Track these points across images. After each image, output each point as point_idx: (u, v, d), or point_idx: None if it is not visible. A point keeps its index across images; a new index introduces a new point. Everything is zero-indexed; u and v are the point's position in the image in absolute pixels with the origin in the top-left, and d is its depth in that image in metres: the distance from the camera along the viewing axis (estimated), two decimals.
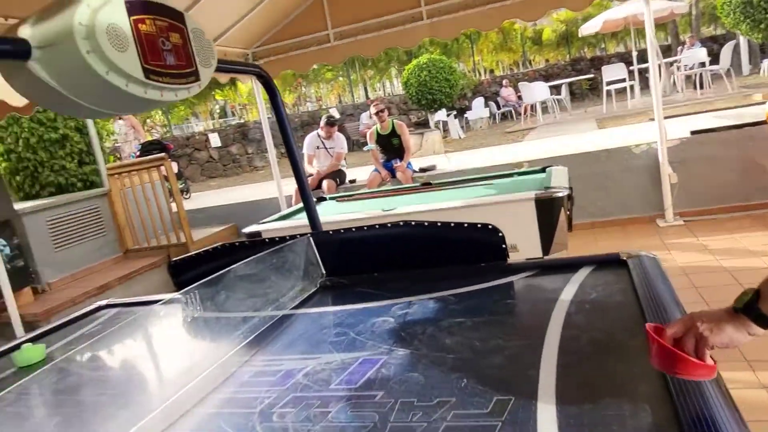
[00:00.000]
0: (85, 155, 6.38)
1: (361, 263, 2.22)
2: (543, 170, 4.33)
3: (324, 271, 2.28)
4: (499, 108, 17.24)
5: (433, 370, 1.37)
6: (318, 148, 6.16)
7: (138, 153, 9.01)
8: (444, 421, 1.12)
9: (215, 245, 2.45)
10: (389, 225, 2.13)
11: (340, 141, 6.19)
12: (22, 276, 4.74)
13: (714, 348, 0.87)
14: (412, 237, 2.12)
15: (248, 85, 8.65)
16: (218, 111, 19.26)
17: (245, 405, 1.37)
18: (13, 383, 1.35)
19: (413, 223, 2.09)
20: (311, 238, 2.26)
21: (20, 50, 1.11)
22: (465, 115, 16.12)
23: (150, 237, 5.96)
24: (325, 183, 5.99)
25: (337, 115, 15.21)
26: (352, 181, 6.36)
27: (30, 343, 2.04)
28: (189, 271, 2.44)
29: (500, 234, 1.98)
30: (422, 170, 6.12)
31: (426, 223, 2.07)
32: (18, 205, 5.12)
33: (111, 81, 1.20)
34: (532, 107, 14.07)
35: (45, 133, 6.09)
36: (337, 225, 3.16)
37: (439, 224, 2.06)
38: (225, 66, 1.90)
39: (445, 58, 12.84)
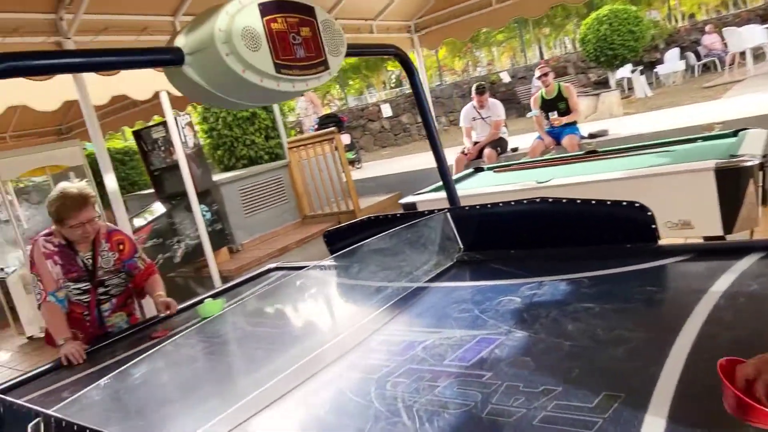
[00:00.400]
0: (270, 130, 7.16)
1: (498, 239, 2.20)
2: (735, 134, 3.73)
3: (462, 246, 2.30)
4: (699, 59, 14.98)
5: (547, 355, 1.34)
6: (474, 119, 6.07)
7: (316, 126, 9.80)
8: (543, 410, 1.10)
9: (362, 218, 2.62)
10: (525, 201, 2.07)
11: (496, 108, 6.00)
12: (221, 238, 5.57)
13: None
14: (551, 214, 2.03)
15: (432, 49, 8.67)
16: (392, 81, 19.90)
17: (366, 371, 1.49)
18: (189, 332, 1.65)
19: (550, 199, 1.99)
20: (448, 214, 2.29)
21: (176, 57, 1.32)
22: (655, 70, 14.33)
23: (324, 204, 6.53)
24: (485, 152, 5.91)
25: (507, 79, 14.70)
26: (515, 150, 6.17)
27: (211, 299, 2.43)
28: (340, 240, 2.64)
29: (649, 213, 1.79)
30: (591, 136, 5.67)
31: (564, 200, 1.96)
32: (216, 177, 5.98)
33: (247, 78, 1.35)
34: (742, 55, 11.97)
35: (238, 112, 6.95)
36: (478, 199, 3.14)
37: (578, 201, 1.93)
38: (363, 50, 2.00)
39: (630, 7, 11.48)
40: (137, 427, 1.37)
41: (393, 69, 19.02)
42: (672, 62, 13.89)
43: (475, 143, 6.08)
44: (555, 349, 1.36)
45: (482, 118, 5.98)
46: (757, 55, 11.89)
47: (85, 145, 7.55)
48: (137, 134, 5.99)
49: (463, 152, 6.07)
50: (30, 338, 5.53)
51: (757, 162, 2.82)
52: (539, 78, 5.78)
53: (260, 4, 1.38)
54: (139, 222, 5.51)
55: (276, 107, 7.06)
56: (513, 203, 2.11)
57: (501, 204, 2.15)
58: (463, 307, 1.77)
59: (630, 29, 10.78)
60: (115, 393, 1.42)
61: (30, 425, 1.06)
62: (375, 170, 9.32)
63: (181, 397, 1.53)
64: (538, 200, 2.03)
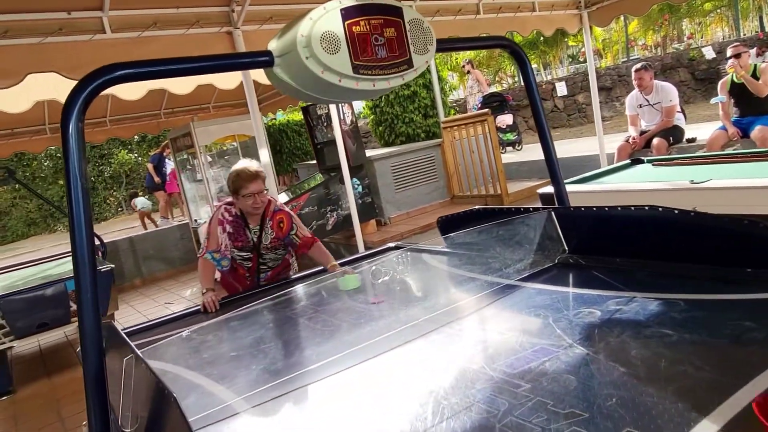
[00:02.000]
0: (429, 109, 7.31)
1: (605, 245, 2.06)
2: None
3: (566, 248, 2.20)
4: None
5: (593, 379, 1.28)
6: (641, 106, 5.42)
7: (480, 105, 9.69)
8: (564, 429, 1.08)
9: (472, 208, 2.62)
10: (632, 208, 1.90)
11: (666, 92, 5.27)
12: (370, 210, 5.93)
13: None
14: (661, 224, 1.85)
15: (605, 30, 8.00)
16: (569, 58, 18.60)
17: (424, 360, 1.57)
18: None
19: (660, 209, 1.80)
20: (552, 213, 2.20)
21: (267, 60, 1.49)
22: None
23: (473, 186, 6.52)
24: (654, 142, 5.31)
25: (711, 55, 12.79)
26: (692, 140, 5.44)
27: (351, 274, 2.62)
28: (452, 228, 2.69)
29: None
30: None
31: (676, 211, 1.76)
32: (369, 152, 6.33)
33: (326, 79, 1.47)
34: None
35: (400, 90, 7.20)
36: (605, 196, 2.94)
37: (692, 213, 1.73)
38: (472, 44, 1.99)
39: None
40: (222, 371, 1.64)
41: (574, 44, 17.73)
42: None
43: (643, 132, 5.50)
44: (605, 373, 1.29)
45: (650, 105, 5.35)
46: None
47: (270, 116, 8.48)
48: (305, 110, 6.59)
49: (627, 140, 5.54)
50: None
51: None
52: (730, 58, 4.98)
53: (342, 9, 1.48)
54: (302, 188, 6.12)
55: (437, 86, 7.17)
56: (619, 208, 1.95)
57: (607, 208, 2.00)
58: (538, 312, 1.73)
59: None
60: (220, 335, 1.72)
61: (125, 360, 1.35)
62: (535, 154, 8.95)
63: (262, 346, 1.78)
64: (646, 208, 1.85)
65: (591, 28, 5.77)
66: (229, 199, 2.98)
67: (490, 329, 1.75)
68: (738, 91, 5.03)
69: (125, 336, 1.53)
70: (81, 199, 1.22)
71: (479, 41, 2.58)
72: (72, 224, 1.22)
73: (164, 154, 10.34)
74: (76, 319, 4.33)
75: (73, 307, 4.28)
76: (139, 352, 1.32)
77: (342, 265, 2.89)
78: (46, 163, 16.27)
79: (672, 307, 1.56)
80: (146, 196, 12.08)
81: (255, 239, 2.88)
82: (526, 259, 2.16)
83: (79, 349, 2.00)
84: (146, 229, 10.31)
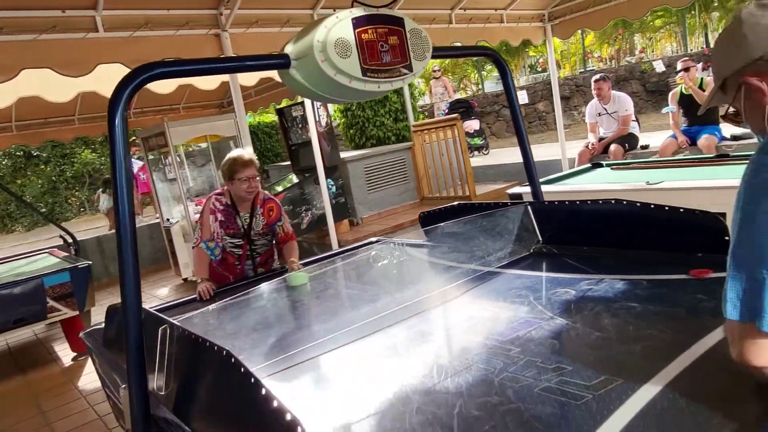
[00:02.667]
0: (399, 113, 7.53)
1: (574, 235, 2.30)
2: None
3: (540, 239, 2.43)
4: None
5: (574, 342, 1.49)
6: (599, 114, 5.81)
7: (447, 110, 10.00)
8: (548, 382, 1.28)
9: (454, 204, 2.83)
10: (600, 201, 2.14)
11: (622, 102, 5.67)
12: (343, 210, 6.09)
13: None
14: (625, 216, 2.09)
15: (564, 42, 8.44)
16: (529, 68, 19.25)
17: (425, 332, 1.77)
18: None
19: (625, 202, 2.05)
20: (529, 207, 2.42)
21: (285, 62, 1.65)
22: None
23: (442, 188, 6.77)
24: (611, 148, 5.69)
25: (661, 68, 13.54)
26: (645, 147, 5.85)
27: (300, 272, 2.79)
28: (433, 222, 2.88)
29: (722, 224, 1.80)
30: (734, 138, 5.18)
31: (638, 204, 2.01)
32: (343, 154, 6.49)
33: (338, 80, 1.65)
34: None
35: None
36: (573, 196, 3.20)
37: (652, 206, 1.98)
38: (462, 52, 2.18)
39: None
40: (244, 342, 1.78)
41: (534, 54, 18.40)
42: None
43: (601, 139, 5.87)
44: (584, 337, 1.50)
45: (608, 113, 5.74)
46: None
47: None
48: (279, 111, 6.70)
49: (587, 146, 5.90)
50: (185, 280, 6.56)
51: None
52: (680, 71, 5.40)
53: (354, 18, 1.66)
54: (277, 188, 6.22)
55: (406, 92, 7.40)
56: (589, 202, 2.20)
57: (578, 202, 2.25)
58: (520, 293, 1.94)
59: None
60: (225, 318, 1.86)
61: (160, 329, 1.48)
62: (501, 158, 9.30)
63: (268, 326, 1.93)
64: (613, 201, 2.10)
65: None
66: (218, 190, 3.11)
67: (479, 307, 1.95)
68: (686, 103, 5.46)
69: (156, 312, 1.65)
70: (124, 184, 1.36)
71: (468, 50, 2.80)
72: (116, 205, 1.35)
73: (131, 153, 10.19)
74: (52, 314, 4.33)
75: (50, 303, 4.27)
76: (174, 320, 1.46)
77: (332, 256, 3.07)
78: (4, 162, 15.68)
79: (636, 285, 1.79)
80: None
81: (245, 226, 3.00)
82: (506, 248, 2.37)
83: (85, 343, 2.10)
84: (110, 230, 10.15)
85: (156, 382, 1.45)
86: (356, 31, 1.66)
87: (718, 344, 1.28)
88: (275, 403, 0.96)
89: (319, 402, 1.43)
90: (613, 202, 2.10)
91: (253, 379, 1.03)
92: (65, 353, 4.69)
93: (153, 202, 12.18)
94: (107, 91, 5.13)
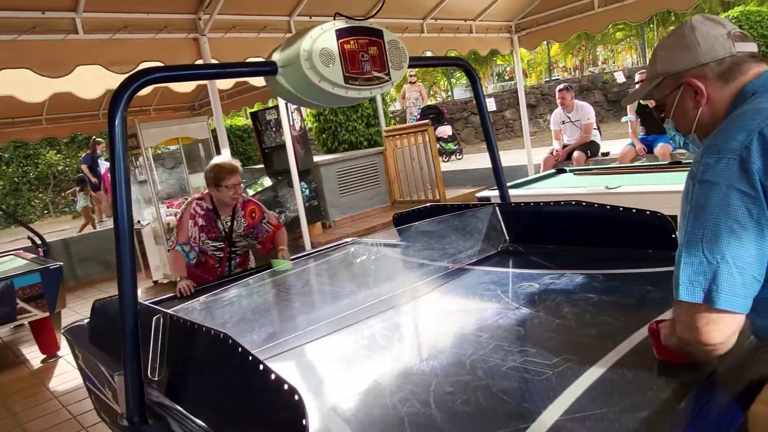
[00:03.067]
0: (371, 119, 7.67)
1: (538, 234, 2.46)
2: None
3: (507, 238, 2.59)
4: None
5: (537, 328, 1.65)
6: (563, 122, 6.09)
7: (418, 116, 10.20)
8: (513, 362, 1.42)
9: (426, 205, 2.98)
10: (562, 203, 2.32)
11: (585, 111, 5.97)
12: (316, 213, 6.18)
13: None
14: (585, 216, 2.26)
15: (530, 52, 8.65)
16: (496, 76, 19.75)
17: (402, 322, 1.90)
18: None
19: (584, 204, 2.23)
20: (497, 208, 2.58)
21: (272, 69, 1.76)
22: None
23: (413, 192, 6.93)
24: (574, 155, 5.95)
25: (621, 79, 14.07)
26: (606, 154, 6.14)
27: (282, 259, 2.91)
28: (407, 222, 3.01)
29: (669, 223, 1.99)
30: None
31: (596, 205, 2.19)
32: (317, 158, 6.59)
33: (322, 87, 1.77)
34: None
35: None
36: (535, 199, 3.38)
37: (608, 207, 2.16)
38: (432, 61, 2.33)
39: (765, 9, 10.53)
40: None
41: (502, 63, 18.86)
42: None
43: (565, 146, 6.14)
44: (546, 324, 1.66)
45: (571, 122, 6.01)
46: None
47: (211, 121, 8.52)
48: (254, 115, 6.75)
49: (551, 153, 6.16)
50: (155, 282, 6.53)
51: None
52: (638, 83, 5.70)
53: (337, 30, 1.78)
54: (249, 192, 6.27)
55: (378, 98, 7.54)
56: (552, 203, 2.37)
57: (542, 203, 2.42)
58: (489, 287, 2.09)
59: (763, 33, 9.93)
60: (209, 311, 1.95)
61: (154, 318, 1.57)
62: (470, 163, 9.54)
63: (252, 319, 2.03)
64: (573, 203, 2.28)
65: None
66: (198, 195, 3.17)
67: (451, 300, 2.09)
68: (644, 113, 5.76)
69: (148, 304, 1.74)
70: (123, 181, 1.44)
71: (441, 60, 2.94)
72: (115, 201, 1.44)
73: (97, 152, 10.04)
74: (21, 316, 4.29)
75: (20, 304, 4.23)
76: (169, 311, 1.55)
77: (311, 254, 3.17)
78: None
79: (593, 279, 1.96)
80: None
81: (226, 229, 3.08)
82: (475, 247, 2.52)
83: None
84: (95, 227, 10.07)
85: (149, 368, 1.53)
86: (339, 41, 1.78)
87: None
88: (273, 376, 1.07)
89: (307, 384, 1.54)
90: (573, 203, 2.28)
91: (251, 357, 1.14)
92: (34, 355, 4.64)
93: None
94: (82, 92, 5.13)
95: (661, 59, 1.25)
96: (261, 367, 1.11)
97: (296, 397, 1.00)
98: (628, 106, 5.99)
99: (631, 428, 1.03)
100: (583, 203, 2.24)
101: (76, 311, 5.80)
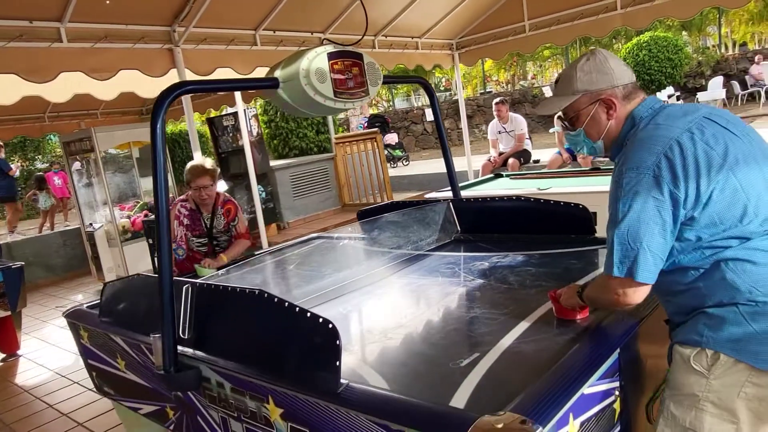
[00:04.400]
0: (321, 126, 8.04)
1: (486, 225, 2.94)
2: None
3: (459, 229, 3.05)
4: (746, 88, 15.11)
5: (490, 291, 2.10)
6: (500, 132, 6.74)
7: (365, 124, 10.66)
8: (475, 313, 1.87)
9: (389, 201, 3.40)
10: (505, 198, 2.81)
11: (518, 122, 6.64)
12: (272, 215, 6.46)
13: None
14: (524, 209, 2.75)
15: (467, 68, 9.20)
16: (441, 86, 20.70)
17: (373, 299, 2.29)
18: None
19: (522, 198, 2.73)
20: (451, 203, 3.04)
21: (275, 83, 2.13)
22: (696, 96, 14.54)
23: (362, 195, 7.35)
24: (509, 162, 6.59)
25: (549, 94, 15.20)
26: (537, 161, 6.82)
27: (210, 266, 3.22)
28: (369, 216, 3.40)
29: (589, 214, 2.51)
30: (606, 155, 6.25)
31: (532, 199, 2.69)
32: (272, 162, 6.87)
33: (317, 100, 2.15)
34: None
35: None
36: (474, 195, 3.88)
37: (541, 201, 2.66)
38: (396, 79, 2.75)
39: (671, 36, 11.83)
40: None
41: (441, 75, 19.73)
42: (714, 90, 14.08)
43: (501, 154, 6.77)
44: (496, 288, 2.11)
45: (506, 132, 6.66)
46: None
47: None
48: (210, 121, 6.95)
49: (489, 160, 6.77)
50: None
51: None
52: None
53: (328, 53, 2.18)
54: None
55: None
56: (497, 198, 2.86)
57: (488, 198, 2.91)
58: (448, 266, 2.54)
59: (669, 56, 11.16)
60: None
61: (184, 288, 1.89)
62: (414, 169, 10.08)
63: None
64: (514, 198, 2.77)
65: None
66: (183, 196, 3.44)
67: (416, 277, 2.51)
68: None
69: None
70: (162, 178, 1.76)
71: (407, 78, 3.37)
72: (156, 196, 1.76)
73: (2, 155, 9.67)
74: None
75: None
76: (197, 281, 1.88)
77: (281, 249, 3.51)
78: None
79: (531, 257, 2.45)
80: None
81: (208, 225, 3.37)
82: (432, 236, 2.97)
83: None
84: (53, 229, 9.81)
85: (181, 329, 1.85)
86: (330, 62, 2.18)
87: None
88: (308, 314, 1.45)
89: None
90: (514, 198, 2.77)
91: (287, 303, 1.51)
92: None
93: (65, 209, 11.68)
94: (49, 95, 5.22)
95: (580, 80, 1.50)
96: (297, 309, 1.48)
97: (330, 326, 1.39)
98: (555, 118, 6.70)
99: (557, 344, 1.49)
100: (522, 198, 2.74)
101: (28, 314, 5.78)
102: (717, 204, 1.28)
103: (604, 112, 1.50)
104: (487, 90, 19.26)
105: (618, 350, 1.42)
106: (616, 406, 1.43)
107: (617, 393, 1.42)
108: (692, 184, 1.27)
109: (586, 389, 1.27)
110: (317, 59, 2.15)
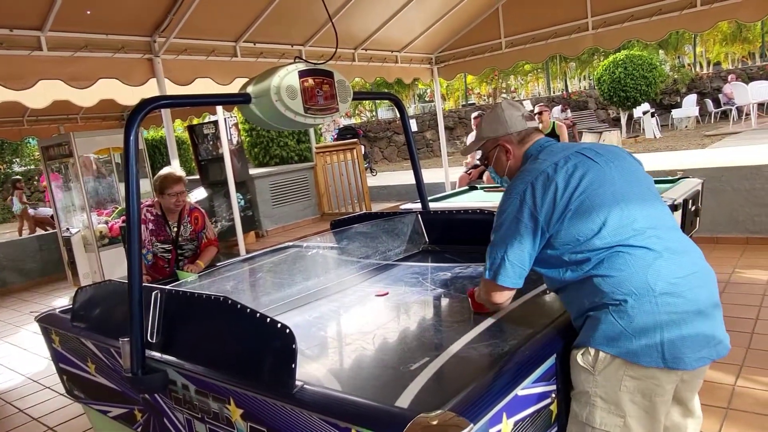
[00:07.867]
0: (302, 135, 8.13)
1: (453, 237, 3.06)
2: (676, 180, 4.52)
3: (427, 240, 3.16)
4: (719, 106, 15.57)
5: (448, 299, 2.21)
6: None
7: (335, 135, 10.79)
8: (432, 320, 1.97)
9: (360, 213, 3.50)
10: (470, 211, 2.93)
11: None
12: (250, 223, 6.52)
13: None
14: (488, 222, 2.84)
15: (449, 81, 9.38)
16: (417, 97, 20.95)
17: (342, 305, 2.39)
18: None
19: (486, 212, 2.85)
20: (419, 215, 3.16)
21: (246, 99, 2.23)
22: (671, 113, 14.96)
23: (341, 205, 7.44)
24: (486, 174, 6.75)
25: (529, 107, 15.50)
26: None
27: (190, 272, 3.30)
28: (342, 226, 3.49)
29: None
30: None
31: (495, 213, 2.81)
32: (252, 171, 6.94)
33: (287, 115, 2.25)
34: (761, 106, 12.51)
35: None
36: (446, 207, 4.01)
37: None
38: (366, 95, 2.85)
39: (645, 54, 12.19)
40: None
41: (424, 86, 19.98)
42: (687, 107, 14.50)
43: (476, 166, 6.93)
44: (455, 298, 2.22)
45: None
46: None
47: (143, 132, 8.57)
48: (191, 128, 7.00)
49: (466, 172, 6.93)
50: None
51: (669, 203, 3.62)
52: (538, 114, 6.61)
53: (300, 71, 2.28)
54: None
55: None
56: (462, 211, 2.98)
57: (454, 211, 3.02)
58: (413, 276, 2.64)
59: (643, 74, 11.49)
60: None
61: (152, 294, 1.97)
62: (392, 179, 10.20)
63: None
64: (478, 211, 2.89)
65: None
66: (149, 201, 3.50)
67: (383, 284, 2.61)
68: None
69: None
70: (134, 186, 1.85)
71: (375, 94, 3.46)
72: (127, 203, 1.84)
73: None
74: None
75: None
76: (166, 287, 1.96)
77: (254, 257, 3.59)
78: None
79: None
80: None
81: (174, 233, 3.44)
82: (401, 247, 3.08)
83: None
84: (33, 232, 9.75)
85: (148, 333, 1.93)
86: (301, 80, 2.29)
87: (527, 297, 2.06)
88: (268, 320, 1.54)
89: None
90: (478, 212, 2.90)
91: (249, 309, 1.60)
92: None
93: (29, 217, 11.58)
94: (28, 101, 5.24)
95: (485, 129, 1.84)
96: (257, 315, 1.57)
97: (287, 330, 1.48)
98: None
99: (501, 349, 1.60)
100: (485, 211, 2.87)
101: (2, 319, 5.76)
102: (575, 222, 1.51)
103: (504, 153, 1.80)
104: (470, 102, 19.56)
105: (554, 356, 1.53)
106: (553, 408, 1.55)
107: (554, 396, 1.54)
108: (549, 206, 1.53)
109: (521, 391, 1.38)
110: (288, 77, 2.25)
